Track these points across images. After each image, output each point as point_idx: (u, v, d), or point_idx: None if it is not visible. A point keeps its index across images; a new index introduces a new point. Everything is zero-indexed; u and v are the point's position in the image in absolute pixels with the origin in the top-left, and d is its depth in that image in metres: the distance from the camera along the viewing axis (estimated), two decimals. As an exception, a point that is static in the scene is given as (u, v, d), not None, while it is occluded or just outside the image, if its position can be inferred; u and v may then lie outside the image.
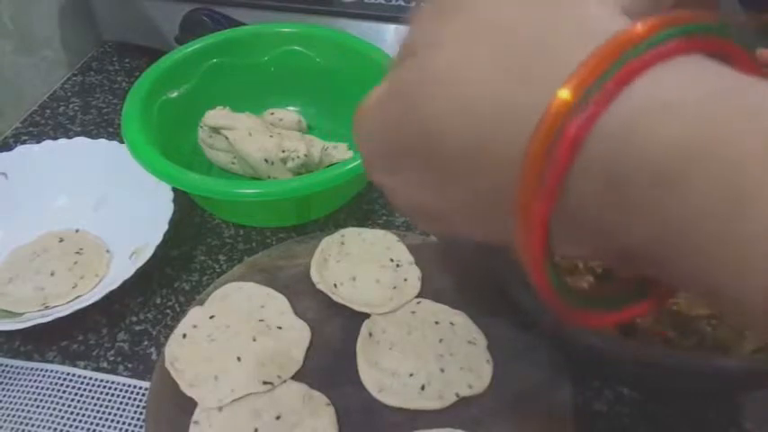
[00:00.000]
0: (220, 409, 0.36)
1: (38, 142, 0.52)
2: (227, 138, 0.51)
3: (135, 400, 0.40)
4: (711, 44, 0.15)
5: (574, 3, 0.16)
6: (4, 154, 0.51)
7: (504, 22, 0.16)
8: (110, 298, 0.41)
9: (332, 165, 0.51)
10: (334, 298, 0.42)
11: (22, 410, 0.39)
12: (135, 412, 0.39)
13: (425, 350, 0.39)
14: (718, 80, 0.14)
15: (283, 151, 0.50)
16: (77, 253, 0.47)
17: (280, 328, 0.40)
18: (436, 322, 0.41)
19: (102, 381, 0.41)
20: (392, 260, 0.45)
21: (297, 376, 0.38)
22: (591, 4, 0.16)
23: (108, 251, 0.48)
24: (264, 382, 0.37)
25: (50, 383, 0.40)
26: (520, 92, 0.15)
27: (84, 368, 0.42)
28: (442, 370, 0.38)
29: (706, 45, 0.15)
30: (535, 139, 0.15)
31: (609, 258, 0.17)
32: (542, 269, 0.16)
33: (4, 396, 0.40)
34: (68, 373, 0.41)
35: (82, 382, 0.41)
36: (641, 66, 0.14)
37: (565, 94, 0.14)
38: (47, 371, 0.41)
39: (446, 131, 0.17)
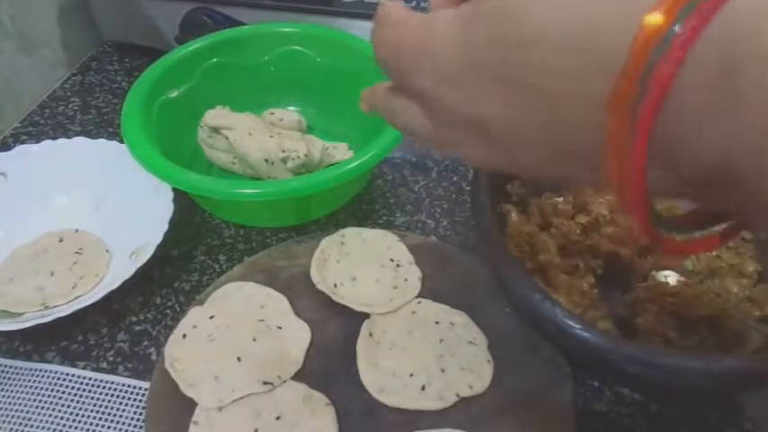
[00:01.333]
0: (220, 409, 0.36)
1: (37, 142, 0.52)
2: (227, 138, 0.51)
3: (135, 400, 0.40)
4: None
5: None
6: (4, 154, 0.51)
7: None
8: (110, 298, 0.41)
9: (332, 165, 0.51)
10: (334, 298, 0.42)
11: (22, 411, 0.39)
12: (135, 412, 0.39)
13: (426, 350, 0.39)
14: None
15: (283, 151, 0.50)
16: (77, 253, 0.47)
17: (280, 328, 0.40)
18: (436, 322, 0.41)
19: (101, 381, 0.41)
20: (392, 260, 0.45)
21: (297, 376, 0.38)
22: None
23: (108, 251, 0.48)
24: (264, 383, 0.37)
25: (50, 384, 0.40)
26: (617, 9, 0.15)
27: (84, 368, 0.42)
28: (443, 370, 0.38)
29: None
30: (636, 50, 0.14)
31: (696, 186, 0.16)
32: (644, 198, 0.16)
33: (4, 396, 0.40)
34: (68, 374, 0.41)
35: (81, 383, 0.41)
36: None
37: (656, 16, 0.14)
38: (46, 371, 0.41)
39: (545, 39, 0.16)
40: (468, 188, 0.51)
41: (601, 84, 0.15)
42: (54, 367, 0.41)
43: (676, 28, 0.14)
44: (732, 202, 0.16)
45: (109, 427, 0.38)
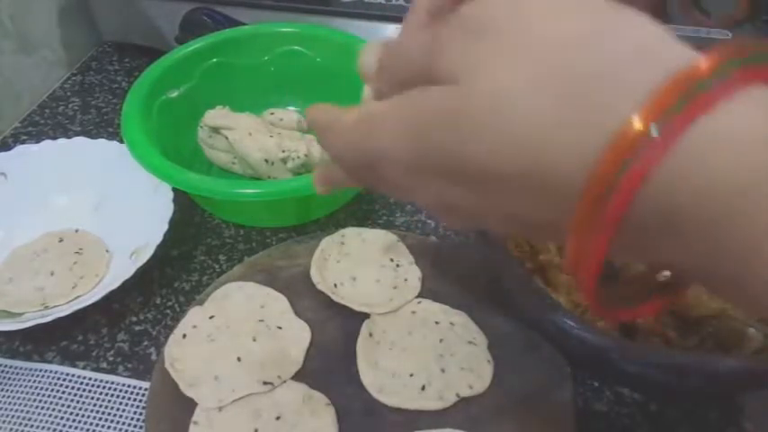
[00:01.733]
0: (220, 409, 0.36)
1: (37, 142, 0.52)
2: (227, 138, 0.51)
3: (135, 400, 0.40)
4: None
5: (628, 23, 0.16)
6: (4, 154, 0.51)
7: (552, 41, 0.16)
8: (110, 298, 0.41)
9: (332, 165, 0.51)
10: (335, 298, 0.42)
11: (22, 411, 0.39)
12: (135, 412, 0.39)
13: (426, 350, 0.39)
14: None
15: (283, 151, 0.50)
16: (77, 253, 0.47)
17: (280, 328, 0.40)
18: (436, 322, 0.41)
19: (101, 381, 0.41)
20: (392, 260, 0.45)
21: (297, 376, 0.38)
22: (645, 23, 0.16)
23: (108, 251, 0.48)
24: (264, 383, 0.37)
25: (50, 384, 0.40)
26: (580, 120, 0.15)
27: (84, 368, 0.42)
28: (443, 370, 0.38)
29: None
30: (601, 169, 0.15)
31: (653, 266, 0.18)
32: (595, 282, 0.17)
33: (4, 396, 0.40)
34: (68, 374, 0.41)
35: (81, 383, 0.41)
36: (709, 100, 0.14)
37: (637, 124, 0.14)
38: (46, 371, 0.41)
39: (498, 161, 0.16)
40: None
41: (560, 196, 0.16)
42: (54, 367, 0.41)
43: (653, 134, 0.14)
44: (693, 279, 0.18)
45: (109, 427, 0.38)
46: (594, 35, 0.16)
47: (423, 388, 0.37)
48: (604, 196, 0.15)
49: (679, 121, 0.14)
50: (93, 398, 0.40)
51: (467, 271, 0.44)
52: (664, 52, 0.15)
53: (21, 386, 0.40)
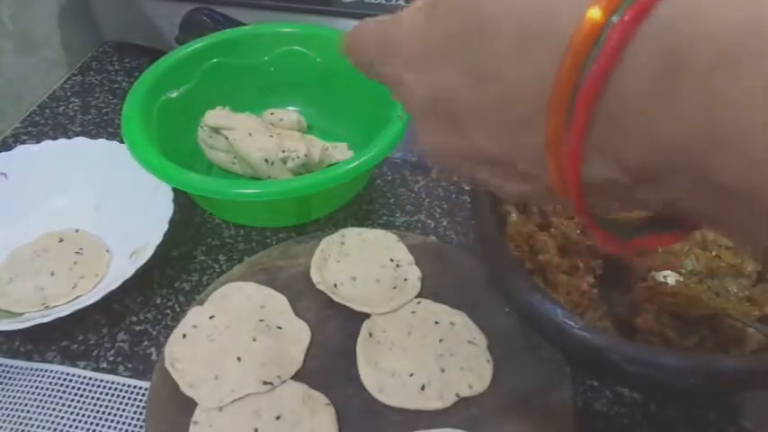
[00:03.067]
0: (220, 409, 0.36)
1: (37, 142, 0.52)
2: (227, 138, 0.51)
3: (135, 400, 0.40)
4: None
5: None
6: (4, 154, 0.51)
7: None
8: (110, 298, 0.41)
9: (332, 165, 0.51)
10: (335, 298, 0.42)
11: (22, 411, 0.39)
12: (135, 412, 0.39)
13: (425, 350, 0.39)
14: None
15: (283, 151, 0.50)
16: (77, 253, 0.47)
17: (280, 328, 0.40)
18: (436, 322, 0.41)
19: (101, 381, 0.41)
20: (392, 260, 0.45)
21: (297, 376, 0.38)
22: None
23: (108, 251, 0.48)
24: (264, 382, 0.37)
25: (50, 384, 0.40)
26: (560, 5, 0.15)
27: (84, 368, 0.42)
28: (443, 370, 0.38)
29: None
30: (576, 39, 0.15)
31: (638, 180, 0.16)
32: (580, 190, 0.16)
33: (4, 396, 0.40)
34: (68, 374, 0.41)
35: (82, 383, 0.41)
36: None
37: (595, 12, 0.14)
38: (47, 371, 0.41)
39: (498, 21, 0.17)
40: (468, 188, 0.51)
41: (545, 74, 0.16)
42: (54, 367, 0.41)
43: (614, 19, 0.14)
44: (677, 199, 0.16)
45: (109, 427, 0.38)
46: None
47: (423, 388, 0.37)
48: (584, 63, 0.15)
49: None
50: (93, 398, 0.40)
51: (467, 271, 0.44)
52: None
53: (21, 386, 0.40)
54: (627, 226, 0.19)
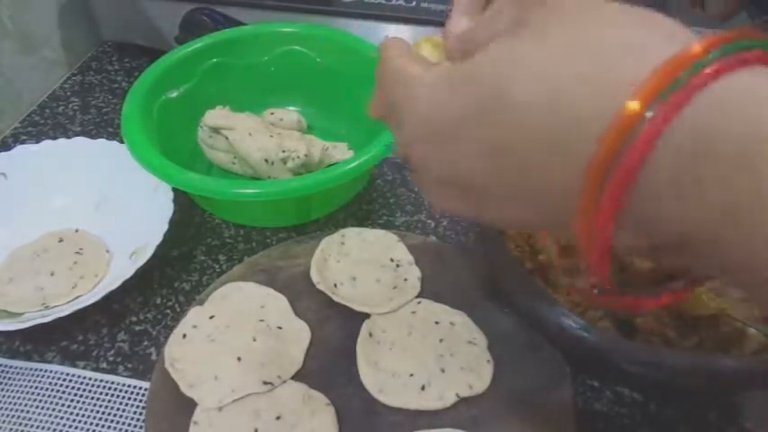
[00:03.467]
0: (220, 409, 0.36)
1: (37, 142, 0.52)
2: (227, 138, 0.51)
3: (135, 400, 0.40)
4: (762, 58, 0.16)
5: (653, 21, 0.17)
6: (4, 154, 0.51)
7: (590, 24, 0.17)
8: (110, 298, 0.41)
9: (332, 165, 0.51)
10: (335, 298, 0.42)
11: (22, 411, 0.39)
12: (135, 412, 0.39)
13: (425, 350, 0.39)
14: None
15: (283, 151, 0.50)
16: (77, 253, 0.47)
17: (280, 328, 0.40)
18: (436, 322, 0.41)
19: (101, 381, 0.41)
20: (392, 260, 0.45)
21: (297, 376, 0.38)
22: (665, 23, 0.17)
23: (108, 251, 0.48)
24: (264, 382, 0.37)
25: (50, 384, 0.40)
26: (597, 94, 0.16)
27: (84, 368, 0.41)
28: (443, 370, 0.38)
29: (758, 59, 0.16)
30: (608, 138, 0.16)
31: (660, 250, 0.18)
32: (607, 261, 0.17)
33: (4, 396, 0.40)
34: (68, 374, 0.41)
35: (81, 383, 0.41)
36: (709, 76, 0.15)
37: (634, 104, 0.16)
38: (46, 371, 0.41)
39: (529, 110, 0.18)
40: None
41: (575, 158, 0.17)
42: (54, 367, 0.41)
43: (648, 115, 0.15)
44: (697, 266, 0.18)
45: (109, 427, 0.38)
46: (634, 34, 0.17)
47: (423, 388, 0.37)
48: (613, 163, 0.16)
49: (679, 96, 0.15)
50: (93, 398, 0.40)
51: (467, 271, 0.44)
52: (664, 44, 0.16)
53: (21, 386, 0.40)
54: (639, 284, 0.20)
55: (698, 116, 0.15)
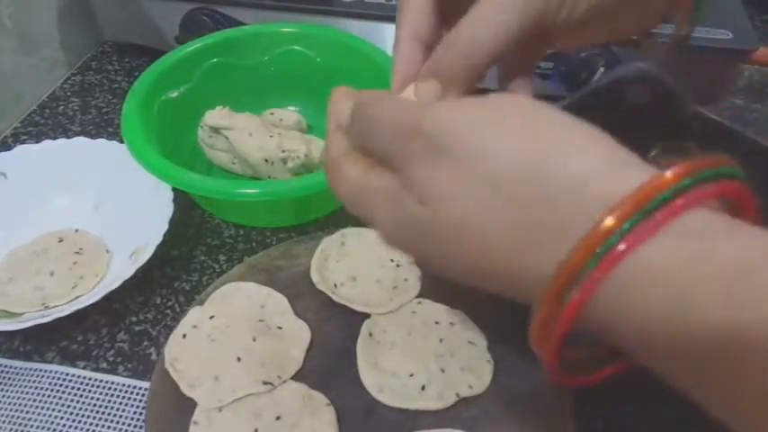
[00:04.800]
0: (220, 409, 0.36)
1: (37, 142, 0.52)
2: (227, 138, 0.51)
3: (135, 400, 0.40)
4: (722, 189, 0.17)
5: (573, 148, 0.18)
6: (4, 154, 0.51)
7: (503, 173, 0.19)
8: (109, 298, 0.41)
9: (332, 165, 0.51)
10: (335, 298, 0.42)
11: (22, 411, 0.39)
12: (135, 412, 0.39)
13: (426, 350, 0.39)
14: (693, 251, 0.16)
15: (283, 151, 0.50)
16: (77, 253, 0.47)
17: (280, 328, 0.40)
18: (436, 322, 0.41)
19: (101, 381, 0.41)
20: (392, 260, 0.45)
21: (297, 376, 0.38)
22: (589, 146, 0.18)
23: (108, 251, 0.48)
24: (264, 383, 0.37)
25: (50, 384, 0.40)
26: (527, 253, 0.18)
27: (84, 368, 0.42)
28: (443, 370, 0.38)
29: (716, 192, 0.17)
30: (546, 299, 0.18)
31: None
32: (557, 358, 0.19)
33: (3, 397, 0.40)
34: (68, 374, 0.41)
35: (81, 383, 0.41)
36: (630, 242, 0.16)
37: (566, 267, 0.17)
38: (46, 371, 0.41)
39: (466, 269, 0.20)
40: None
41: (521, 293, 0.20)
42: (54, 367, 0.41)
43: (566, 298, 0.17)
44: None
45: (109, 427, 0.38)
46: (540, 165, 0.18)
47: (423, 388, 0.37)
48: (557, 309, 0.18)
49: (596, 274, 0.17)
50: (93, 398, 0.40)
51: (467, 271, 0.44)
52: (596, 190, 0.17)
53: (21, 386, 0.40)
54: (580, 364, 0.22)
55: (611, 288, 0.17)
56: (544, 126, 0.19)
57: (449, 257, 0.20)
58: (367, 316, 0.41)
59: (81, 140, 0.52)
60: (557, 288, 0.17)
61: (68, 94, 0.67)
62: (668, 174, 0.16)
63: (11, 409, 0.39)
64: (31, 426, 0.38)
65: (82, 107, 0.65)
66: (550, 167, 0.18)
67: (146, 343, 0.43)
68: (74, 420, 0.39)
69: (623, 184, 0.17)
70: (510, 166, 0.18)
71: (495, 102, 0.20)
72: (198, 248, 0.50)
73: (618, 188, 0.17)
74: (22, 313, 0.43)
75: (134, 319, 0.45)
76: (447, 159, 0.19)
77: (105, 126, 0.62)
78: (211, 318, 0.40)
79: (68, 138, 0.53)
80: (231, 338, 0.39)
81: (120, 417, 0.39)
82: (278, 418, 0.35)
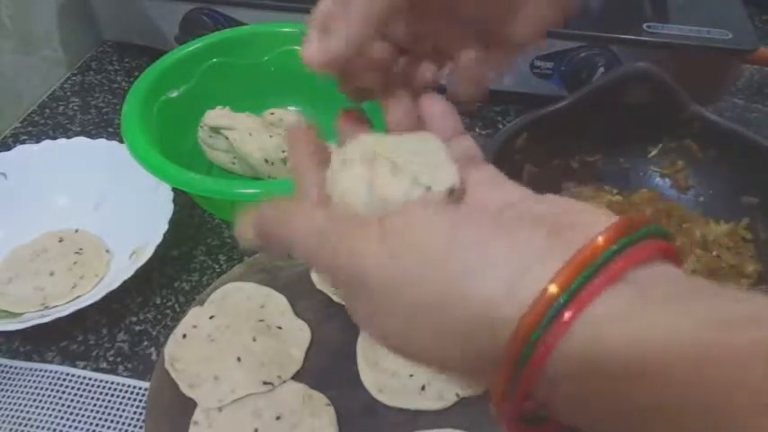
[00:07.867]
0: (220, 409, 0.36)
1: (37, 142, 0.52)
2: (227, 138, 0.51)
3: (135, 400, 0.40)
4: (648, 249, 0.17)
5: (500, 253, 0.18)
6: (4, 154, 0.51)
7: (417, 308, 0.19)
8: (110, 298, 0.41)
9: (332, 165, 0.51)
10: (335, 298, 0.42)
11: (22, 411, 0.39)
12: (135, 412, 0.39)
13: (425, 350, 0.39)
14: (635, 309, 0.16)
15: (283, 151, 0.50)
16: (77, 253, 0.47)
17: (280, 328, 0.40)
18: (436, 322, 0.41)
19: (101, 381, 0.41)
20: (392, 260, 0.45)
21: (297, 376, 0.38)
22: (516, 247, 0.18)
23: (108, 251, 0.48)
24: (264, 383, 0.37)
25: (50, 384, 0.40)
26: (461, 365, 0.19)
27: (84, 368, 0.41)
28: (443, 370, 0.38)
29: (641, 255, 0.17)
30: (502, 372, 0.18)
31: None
32: (515, 421, 0.19)
33: (4, 396, 0.40)
34: (68, 374, 0.41)
35: (81, 383, 0.41)
36: (567, 320, 0.16)
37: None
38: (46, 371, 0.41)
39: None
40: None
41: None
42: (54, 367, 0.41)
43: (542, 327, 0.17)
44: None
45: (109, 427, 0.38)
46: (447, 300, 0.18)
47: (423, 388, 0.37)
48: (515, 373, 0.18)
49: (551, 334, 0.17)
50: (93, 398, 0.40)
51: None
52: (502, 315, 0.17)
53: (21, 386, 0.40)
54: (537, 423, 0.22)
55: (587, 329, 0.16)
56: (442, 253, 0.19)
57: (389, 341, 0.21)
58: (367, 316, 0.41)
59: (81, 140, 0.52)
60: (504, 375, 0.18)
61: (68, 94, 0.67)
62: (555, 289, 0.17)
63: (11, 409, 0.39)
64: (31, 426, 0.38)
65: (82, 107, 0.65)
66: (457, 301, 0.18)
67: (146, 343, 0.43)
68: (74, 420, 0.39)
69: (519, 308, 0.17)
70: (417, 304, 0.19)
71: (392, 227, 0.20)
72: (198, 248, 0.50)
73: (515, 313, 0.17)
74: (22, 313, 0.43)
75: (134, 319, 0.45)
76: (361, 296, 0.20)
77: (105, 126, 0.62)
78: (211, 318, 0.40)
79: (68, 138, 0.53)
80: (231, 338, 0.39)
81: (120, 417, 0.39)
82: (278, 417, 0.35)
